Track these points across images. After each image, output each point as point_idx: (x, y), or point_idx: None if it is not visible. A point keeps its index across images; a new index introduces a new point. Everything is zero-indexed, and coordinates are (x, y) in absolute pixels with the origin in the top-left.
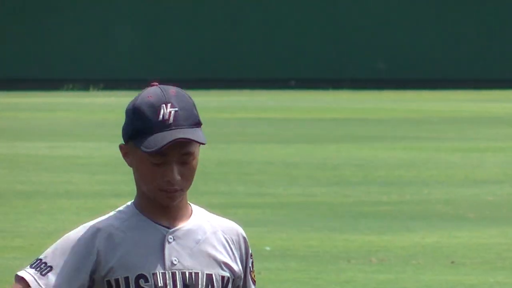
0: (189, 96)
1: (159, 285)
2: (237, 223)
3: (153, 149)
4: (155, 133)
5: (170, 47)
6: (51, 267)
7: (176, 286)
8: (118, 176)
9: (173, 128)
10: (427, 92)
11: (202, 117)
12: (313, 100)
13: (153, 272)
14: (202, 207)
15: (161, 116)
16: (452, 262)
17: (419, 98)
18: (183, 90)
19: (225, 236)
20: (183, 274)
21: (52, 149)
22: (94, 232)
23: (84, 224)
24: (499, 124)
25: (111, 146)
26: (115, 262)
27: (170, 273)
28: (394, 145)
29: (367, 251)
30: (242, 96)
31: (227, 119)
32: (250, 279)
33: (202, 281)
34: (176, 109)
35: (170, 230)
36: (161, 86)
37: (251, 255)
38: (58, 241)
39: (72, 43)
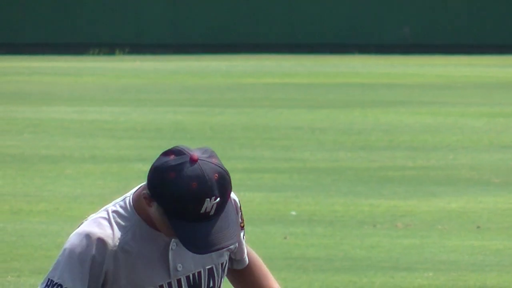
0: (226, 172)
1: None
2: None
3: (194, 252)
4: (194, 222)
5: (196, 11)
6: None
7: None
8: (144, 141)
9: (213, 218)
10: (453, 57)
11: (227, 82)
12: (339, 65)
13: (159, 284)
14: None
15: (203, 210)
16: (478, 227)
17: (445, 63)
18: (218, 160)
19: None
20: (187, 278)
21: (77, 113)
22: (102, 247)
23: (86, 232)
24: None
25: (136, 111)
26: (123, 280)
27: (176, 281)
28: (419, 110)
29: (392, 216)
30: (268, 61)
31: (253, 84)
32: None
33: (204, 277)
34: (218, 199)
35: (173, 238)
36: (203, 165)
37: (240, 208)
38: (63, 258)
39: (98, 7)
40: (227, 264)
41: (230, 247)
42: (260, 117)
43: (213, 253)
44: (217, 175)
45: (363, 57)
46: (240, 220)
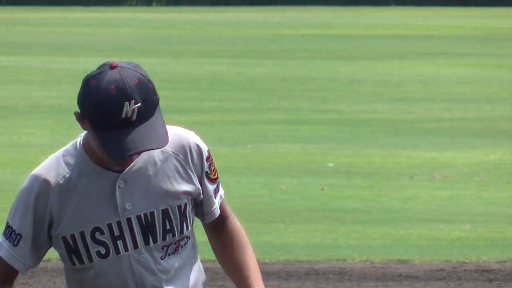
0: (148, 80)
1: (116, 234)
2: (185, 129)
3: (116, 158)
4: (117, 129)
5: None
6: (20, 235)
7: (134, 231)
8: (181, 92)
9: (136, 125)
10: (491, 9)
11: (265, 33)
12: (376, 16)
13: (107, 223)
14: None
15: (124, 114)
16: None
17: (483, 15)
18: (142, 70)
19: (178, 157)
20: (139, 217)
21: None
22: (45, 187)
23: (34, 174)
24: None
25: (174, 62)
26: (69, 217)
27: (125, 220)
28: (457, 62)
29: (429, 168)
30: (306, 12)
31: (291, 35)
32: (207, 182)
33: (158, 219)
34: (139, 104)
35: (120, 175)
36: (122, 71)
37: (208, 158)
38: (16, 199)
39: None
40: (188, 209)
41: (188, 190)
42: (298, 69)
43: (166, 192)
44: (136, 80)
45: (400, 9)
46: (208, 170)
